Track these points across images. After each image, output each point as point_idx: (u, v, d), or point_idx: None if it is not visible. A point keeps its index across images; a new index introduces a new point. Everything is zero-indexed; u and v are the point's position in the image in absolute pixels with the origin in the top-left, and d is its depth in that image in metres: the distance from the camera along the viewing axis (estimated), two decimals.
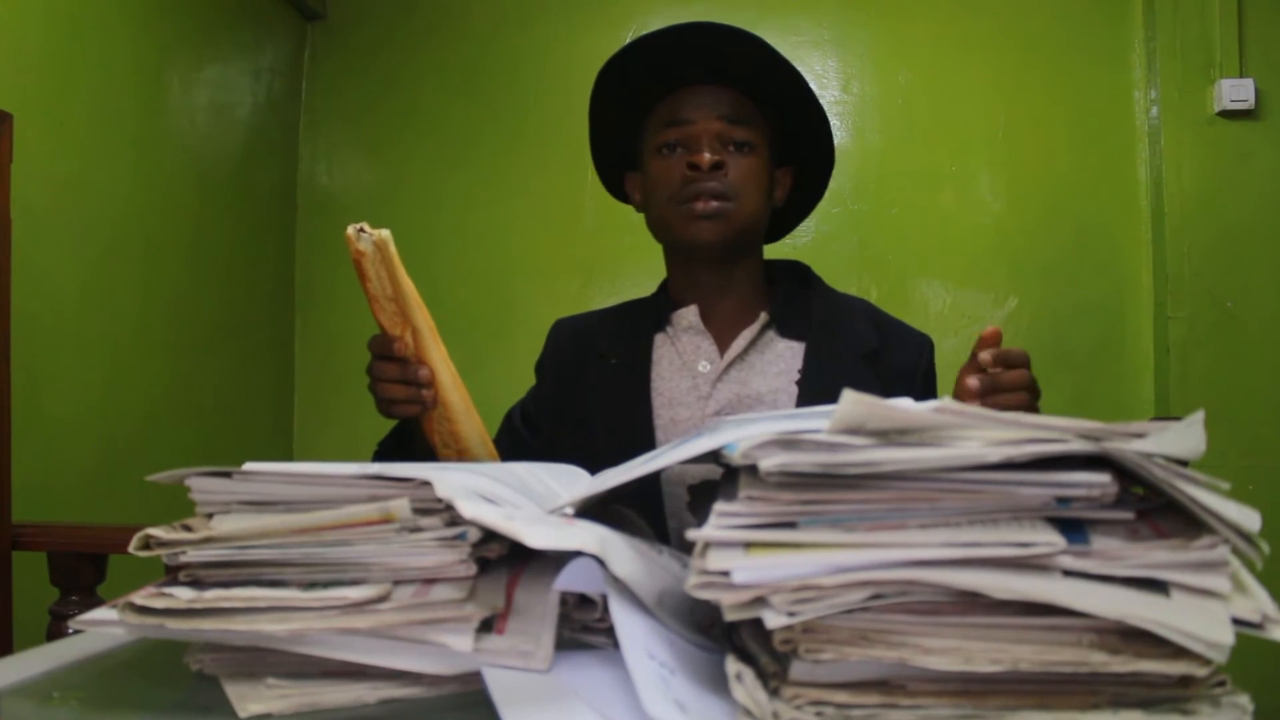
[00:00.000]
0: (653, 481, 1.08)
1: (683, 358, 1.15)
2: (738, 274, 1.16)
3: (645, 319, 1.20)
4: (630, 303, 1.27)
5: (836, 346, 1.12)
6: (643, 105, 1.17)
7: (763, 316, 1.14)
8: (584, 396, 1.17)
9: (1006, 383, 0.86)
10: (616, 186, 1.26)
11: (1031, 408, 0.88)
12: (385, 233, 0.87)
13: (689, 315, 1.16)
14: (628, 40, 1.13)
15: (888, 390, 1.06)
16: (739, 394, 1.10)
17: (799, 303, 1.16)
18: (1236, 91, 2.45)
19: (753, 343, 1.13)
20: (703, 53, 1.11)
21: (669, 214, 1.11)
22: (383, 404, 0.96)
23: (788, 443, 0.43)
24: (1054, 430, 0.43)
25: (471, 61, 2.95)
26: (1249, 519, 0.41)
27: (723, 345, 1.14)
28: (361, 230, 0.87)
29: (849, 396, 0.42)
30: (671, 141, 1.12)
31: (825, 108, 1.16)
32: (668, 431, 1.11)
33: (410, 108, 2.98)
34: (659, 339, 1.18)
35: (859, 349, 1.12)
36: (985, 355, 0.86)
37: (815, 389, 1.08)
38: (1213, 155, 2.50)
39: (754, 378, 1.11)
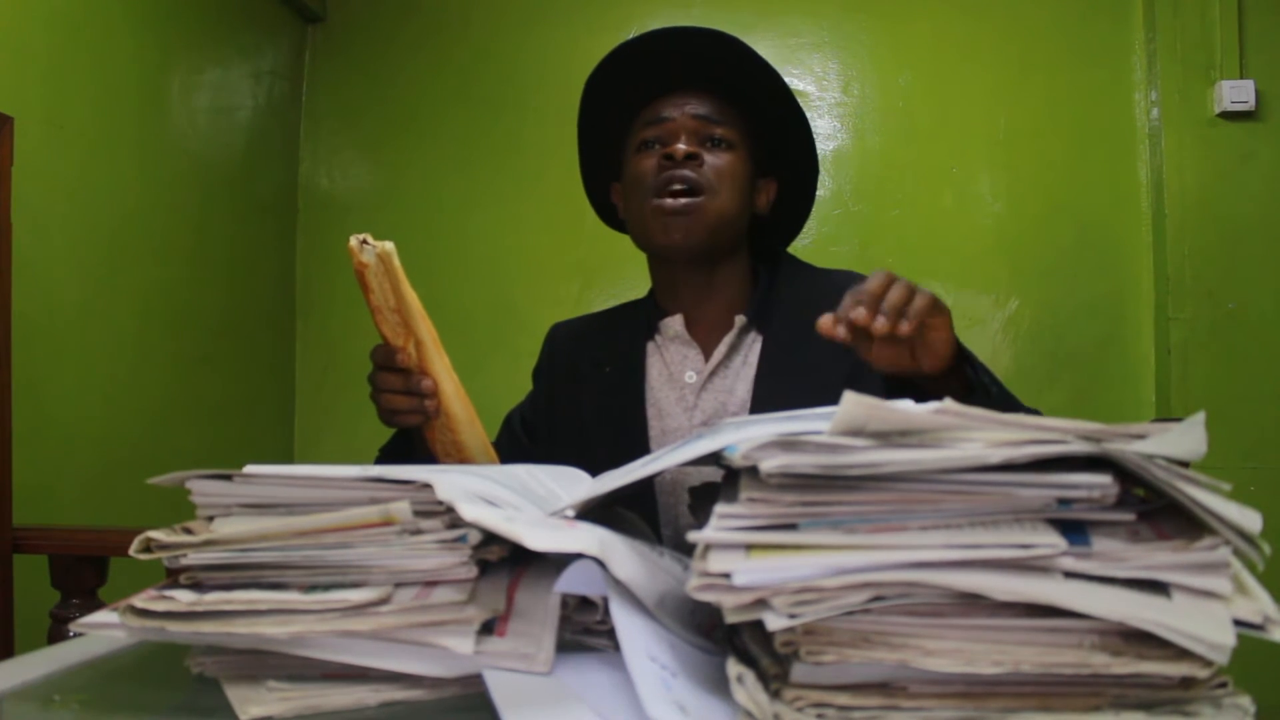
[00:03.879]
0: (647, 489, 1.07)
1: (670, 368, 1.14)
2: (719, 277, 1.14)
3: (637, 327, 1.19)
4: (623, 307, 1.27)
5: (799, 333, 1.08)
6: (625, 117, 1.16)
7: (739, 320, 1.12)
8: (580, 406, 1.17)
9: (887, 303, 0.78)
10: (605, 208, 1.26)
11: (936, 307, 0.81)
12: (389, 245, 0.86)
13: (674, 324, 1.15)
14: (610, 52, 1.13)
15: (862, 366, 1.02)
16: (724, 402, 1.10)
17: (773, 296, 1.15)
18: (1237, 93, 2.45)
19: (733, 347, 1.12)
20: (684, 57, 1.11)
21: (644, 210, 1.10)
22: (385, 414, 0.96)
23: (789, 444, 0.43)
24: (1055, 431, 0.43)
25: (471, 64, 2.95)
26: (1250, 520, 0.41)
27: (708, 352, 1.13)
28: (365, 242, 0.85)
29: (849, 398, 0.42)
30: (650, 139, 1.12)
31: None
32: (660, 443, 1.10)
33: (410, 110, 2.98)
34: (650, 347, 1.17)
35: None
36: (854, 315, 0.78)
37: (771, 381, 1.07)
38: (1213, 156, 2.50)
39: (738, 384, 1.11)
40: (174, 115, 2.42)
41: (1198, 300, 2.48)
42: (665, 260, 1.15)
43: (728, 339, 1.12)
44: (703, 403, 1.11)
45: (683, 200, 1.07)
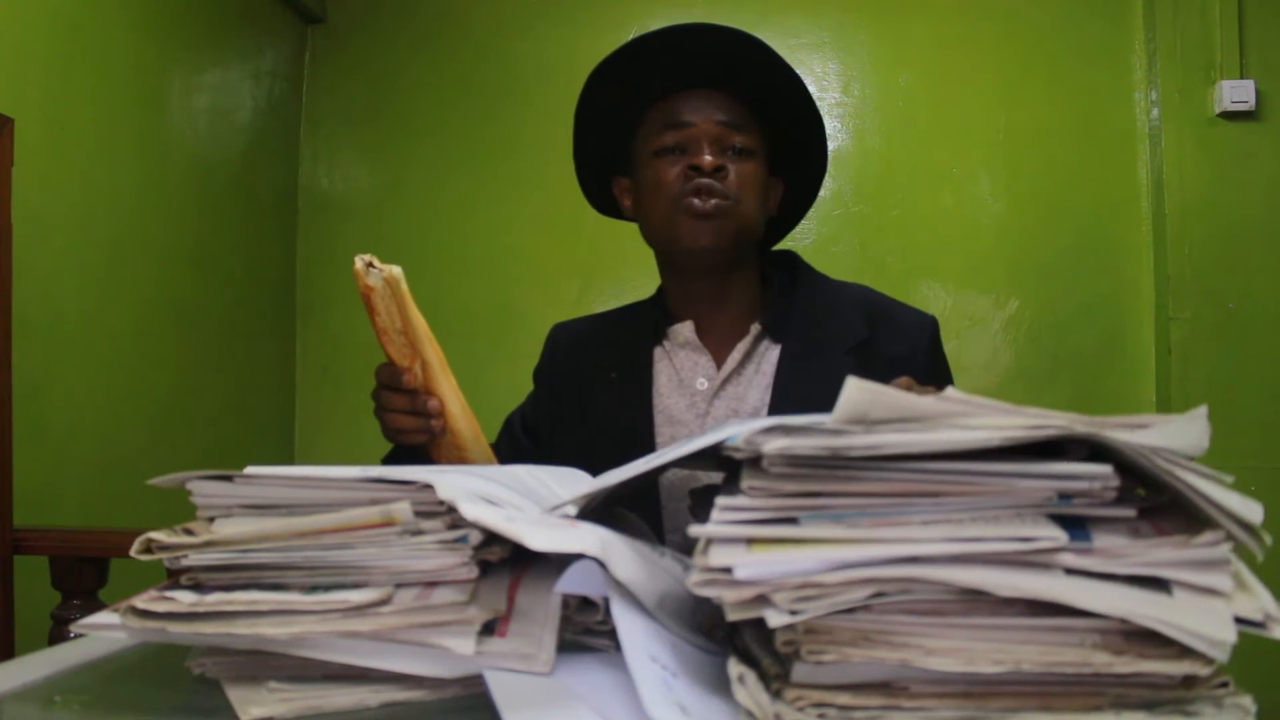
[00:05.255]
0: (651, 495, 1.07)
1: (680, 374, 1.13)
2: (733, 284, 1.13)
3: (644, 331, 1.17)
4: (628, 309, 1.25)
5: (817, 344, 1.09)
6: (635, 109, 1.14)
7: (754, 329, 1.11)
8: (584, 411, 1.15)
9: None
10: (597, 195, 1.23)
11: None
12: (396, 270, 0.85)
13: (684, 331, 1.13)
14: (627, 42, 1.12)
15: (879, 380, 1.02)
16: (736, 409, 1.09)
17: (788, 304, 1.13)
18: (1237, 92, 2.45)
19: (747, 355, 1.11)
20: (704, 56, 1.09)
21: (669, 215, 1.08)
22: (389, 432, 0.95)
23: (790, 429, 0.43)
24: (1057, 418, 0.43)
25: (471, 64, 2.96)
26: (1251, 510, 0.41)
27: (719, 359, 1.12)
28: (371, 265, 0.85)
29: (853, 384, 0.42)
30: (670, 145, 1.09)
31: (826, 110, 1.16)
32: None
33: (410, 110, 2.98)
34: (657, 353, 1.16)
35: (845, 343, 1.09)
36: None
37: (790, 391, 1.06)
38: (1213, 156, 2.50)
39: (750, 391, 1.09)
40: (174, 116, 2.42)
41: (1198, 300, 2.48)
42: (682, 266, 1.13)
43: (742, 346, 1.10)
44: (715, 410, 1.09)
45: (712, 202, 1.05)
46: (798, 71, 1.12)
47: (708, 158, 1.06)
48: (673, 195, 1.08)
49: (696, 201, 1.06)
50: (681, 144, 1.09)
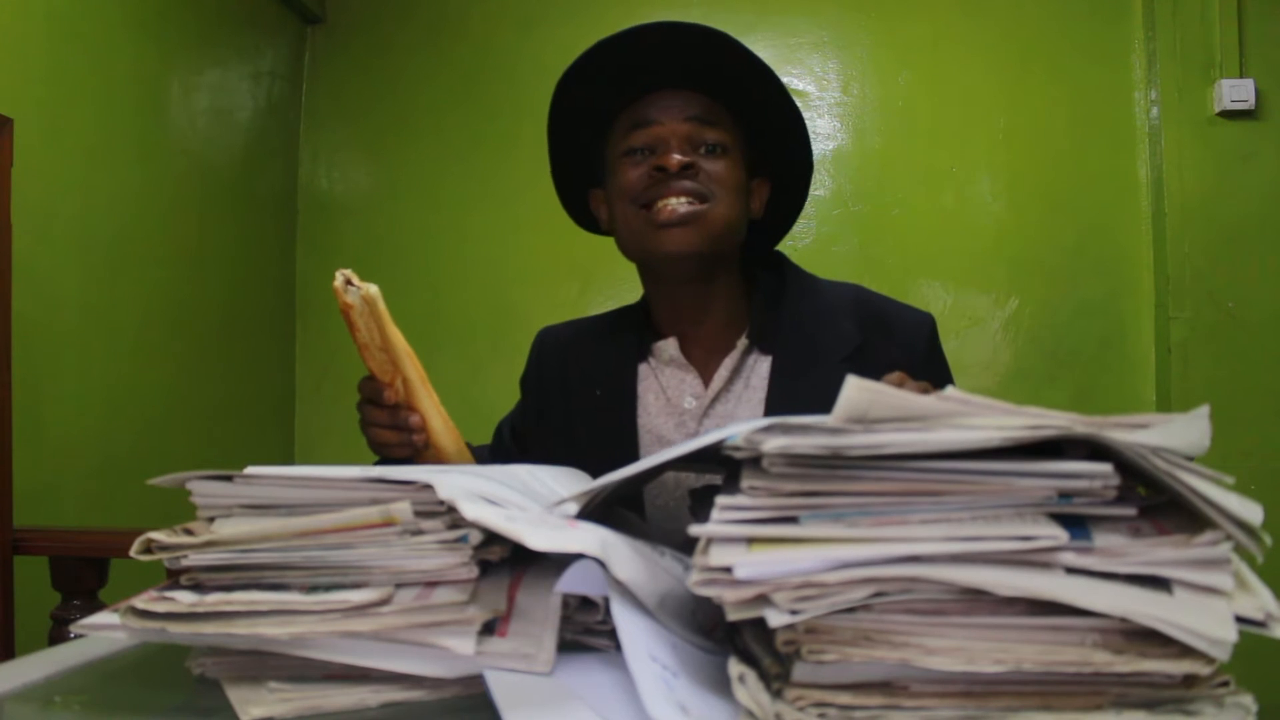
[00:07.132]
0: (637, 511, 1.05)
1: (667, 393, 1.08)
2: (715, 292, 1.07)
3: (629, 346, 1.12)
4: (614, 316, 1.19)
5: (809, 355, 1.04)
6: (606, 116, 1.09)
7: (741, 343, 1.06)
8: (569, 427, 1.12)
9: None
10: (581, 213, 1.19)
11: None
12: (374, 289, 0.86)
13: (669, 348, 1.08)
14: (589, 48, 1.09)
15: None
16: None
17: (776, 311, 1.07)
18: (1236, 92, 2.45)
19: (735, 371, 1.06)
20: (668, 55, 1.03)
21: (636, 223, 1.03)
22: (374, 446, 0.97)
23: (790, 427, 0.43)
24: (1057, 418, 0.43)
25: (471, 64, 2.96)
26: (1251, 512, 0.41)
27: (707, 376, 1.07)
28: (349, 283, 0.85)
29: (853, 383, 0.42)
30: (638, 146, 1.04)
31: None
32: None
33: (410, 110, 2.98)
34: (643, 369, 1.11)
35: (838, 351, 1.03)
36: None
37: (784, 407, 1.00)
38: (1213, 155, 2.50)
39: (740, 408, 1.05)
40: (174, 116, 2.42)
41: (1198, 299, 2.48)
42: (661, 275, 1.08)
43: (729, 362, 1.06)
44: (704, 429, 1.05)
45: (684, 206, 0.99)
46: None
47: (675, 156, 0.99)
48: (640, 199, 1.02)
49: (669, 203, 1.00)
50: (649, 144, 1.03)
